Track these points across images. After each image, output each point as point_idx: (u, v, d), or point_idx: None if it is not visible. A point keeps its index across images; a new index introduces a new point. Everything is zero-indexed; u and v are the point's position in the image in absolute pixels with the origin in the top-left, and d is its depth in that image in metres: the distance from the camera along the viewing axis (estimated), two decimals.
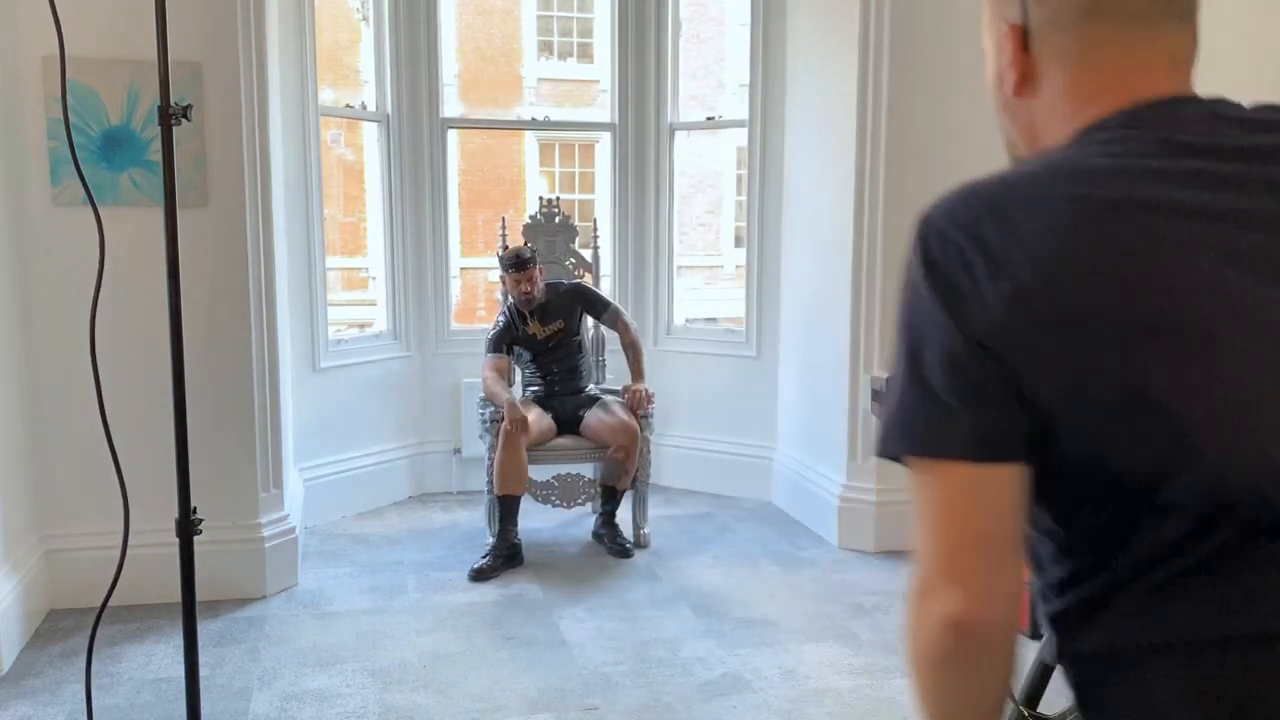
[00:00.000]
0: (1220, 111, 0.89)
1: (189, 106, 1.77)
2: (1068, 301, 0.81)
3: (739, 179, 15.22)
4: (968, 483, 0.84)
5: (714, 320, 7.02)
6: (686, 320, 5.34)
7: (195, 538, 3.57)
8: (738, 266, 15.70)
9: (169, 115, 1.72)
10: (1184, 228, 0.82)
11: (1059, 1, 0.90)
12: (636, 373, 4.35)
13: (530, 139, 15.80)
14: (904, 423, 0.88)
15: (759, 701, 2.96)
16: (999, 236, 0.83)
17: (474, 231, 14.73)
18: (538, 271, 4.29)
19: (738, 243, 15.06)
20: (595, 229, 4.77)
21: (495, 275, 4.71)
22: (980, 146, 4.18)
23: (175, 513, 3.57)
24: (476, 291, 14.26)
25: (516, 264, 4.23)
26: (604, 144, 5.17)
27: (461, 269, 14.49)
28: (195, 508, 1.88)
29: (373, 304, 5.46)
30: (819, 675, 3.12)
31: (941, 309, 0.84)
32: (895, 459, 0.89)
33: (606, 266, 5.04)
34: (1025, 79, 0.94)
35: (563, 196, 15.62)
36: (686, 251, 14.18)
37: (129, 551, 3.18)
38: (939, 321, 0.85)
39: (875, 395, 1.26)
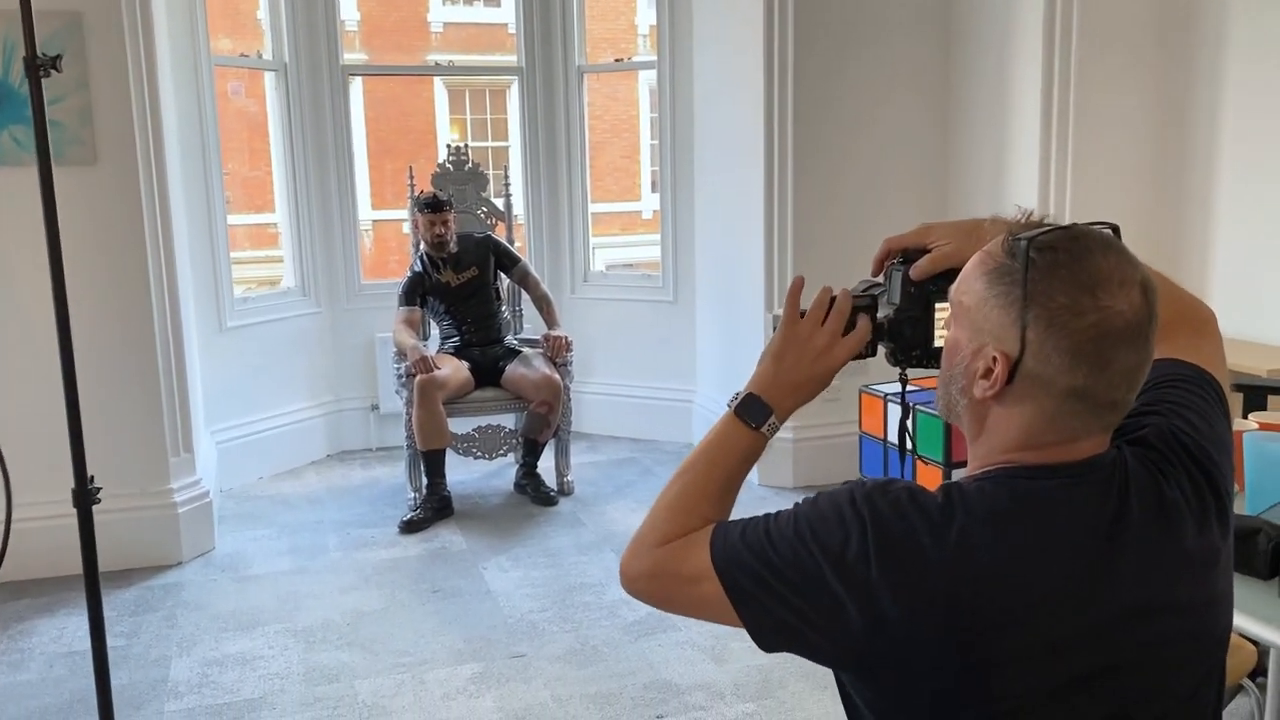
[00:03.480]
0: None
1: (58, 57, 1.67)
2: None
3: (653, 123, 15.12)
4: None
5: (631, 266, 7.01)
6: (606, 267, 5.31)
7: (107, 507, 3.50)
8: (655, 212, 15.69)
9: (36, 66, 1.63)
10: None
11: (1055, 386, 0.96)
12: (551, 322, 4.33)
13: (439, 87, 15.41)
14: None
15: (684, 639, 3.01)
16: None
17: (384, 183, 14.37)
18: (452, 217, 4.22)
19: (654, 188, 14.99)
20: (507, 176, 4.69)
21: (408, 227, 4.62)
22: (883, 80, 4.22)
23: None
24: (389, 245, 13.98)
25: (432, 204, 4.17)
26: (514, 90, 5.06)
27: (374, 222, 14.24)
28: (93, 476, 1.81)
29: (281, 260, 5.33)
30: None
31: None
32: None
33: (520, 214, 4.97)
34: (998, 397, 1.00)
35: (475, 144, 15.31)
36: (603, 198, 14.08)
37: (37, 523, 3.09)
38: None
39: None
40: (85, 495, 1.76)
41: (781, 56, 4.09)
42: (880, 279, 1.30)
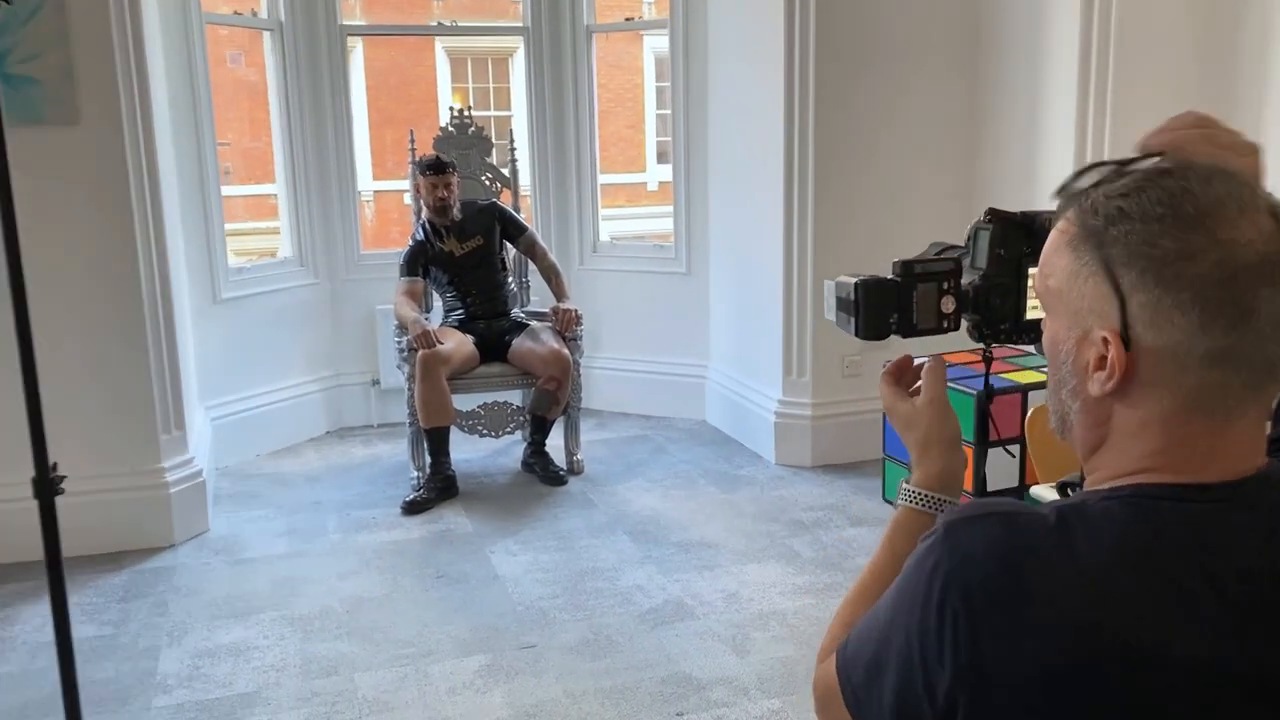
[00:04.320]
0: None
1: None
2: None
3: (660, 92, 14.82)
4: None
5: (641, 239, 6.80)
6: (613, 238, 5.12)
7: (96, 487, 3.34)
8: (661, 183, 15.41)
9: None
10: None
11: (1189, 356, 0.76)
12: (560, 294, 4.15)
13: (441, 54, 15.11)
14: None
15: (702, 628, 2.85)
16: None
17: (384, 153, 14.11)
18: (455, 180, 4.04)
19: (660, 159, 14.72)
20: (512, 140, 4.48)
21: (409, 198, 4.43)
22: (912, 45, 4.01)
23: (75, 460, 3.31)
24: (390, 216, 13.75)
25: (435, 165, 3.99)
26: (519, 57, 4.84)
27: (375, 192, 14.00)
28: (55, 464, 1.63)
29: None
30: (762, 597, 3.02)
31: None
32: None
33: (525, 181, 4.77)
34: (1121, 390, 0.79)
35: (478, 113, 15.06)
36: (608, 169, 13.80)
37: (20, 504, 2.92)
38: None
39: (840, 303, 1.07)
40: (47, 485, 1.58)
41: (803, 20, 3.87)
42: (962, 242, 1.12)
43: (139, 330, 3.34)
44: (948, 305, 1.08)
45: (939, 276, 1.07)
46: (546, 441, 4.13)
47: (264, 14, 4.52)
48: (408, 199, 4.59)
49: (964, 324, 1.11)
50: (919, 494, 1.06)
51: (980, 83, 4.07)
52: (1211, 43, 3.30)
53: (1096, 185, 0.81)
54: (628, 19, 5.42)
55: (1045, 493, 2.22)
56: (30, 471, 1.66)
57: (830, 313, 1.14)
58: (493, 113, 14.92)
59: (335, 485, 4.08)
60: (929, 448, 1.07)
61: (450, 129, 4.39)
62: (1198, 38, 3.34)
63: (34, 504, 3.05)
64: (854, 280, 1.08)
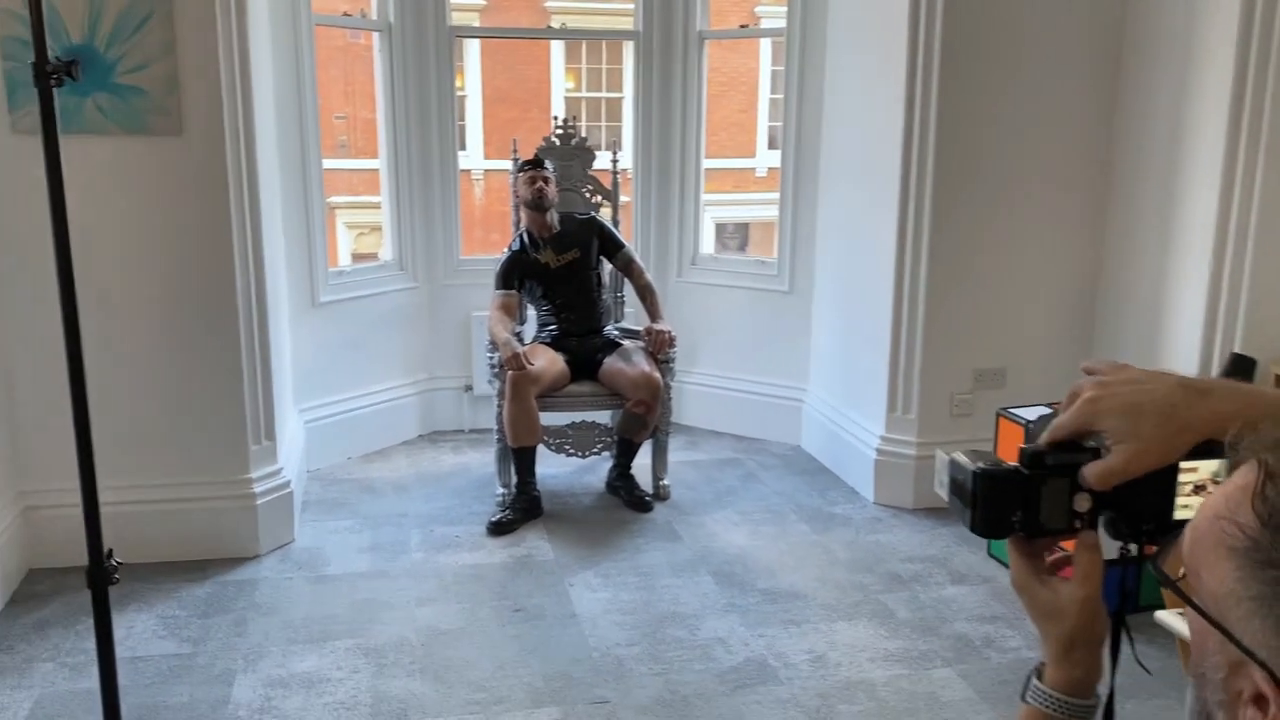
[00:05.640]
0: None
1: (73, 63, 1.41)
2: None
3: (774, 76, 14.45)
4: None
5: (744, 226, 6.58)
6: (715, 224, 4.93)
7: (185, 495, 3.37)
8: (770, 169, 15.06)
9: (48, 75, 1.36)
10: None
11: None
12: (655, 314, 4.02)
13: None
14: None
15: (785, 695, 2.70)
16: None
17: (496, 131, 14.15)
18: (552, 177, 3.97)
19: (771, 144, 14.38)
20: (616, 153, 4.34)
21: (512, 209, 4.35)
22: (1047, 51, 3.71)
23: (165, 467, 3.36)
24: (499, 195, 13.77)
25: (532, 161, 3.98)
26: (630, 49, 4.71)
27: (485, 172, 14.06)
28: (110, 550, 1.58)
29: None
30: (851, 663, 2.86)
31: None
32: None
33: (625, 193, 4.64)
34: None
35: (589, 95, 14.95)
36: (717, 154, 13.53)
37: (109, 508, 2.94)
38: None
39: (955, 486, 0.91)
40: (101, 574, 1.53)
41: (929, 33, 3.63)
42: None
43: (233, 343, 3.34)
44: (1081, 503, 0.91)
45: (1073, 470, 0.90)
46: (632, 464, 4.03)
47: (374, 15, 4.48)
48: (510, 198, 4.51)
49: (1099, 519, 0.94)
50: (1055, 699, 0.90)
51: (1120, 96, 3.76)
52: None
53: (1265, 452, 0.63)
54: (742, 26, 5.21)
55: None
56: (109, 478, 1.62)
57: (941, 488, 0.98)
58: (604, 94, 14.83)
59: (422, 496, 4.06)
60: (1073, 650, 0.91)
61: (554, 140, 4.29)
62: None
63: (125, 509, 3.10)
64: (973, 468, 0.92)
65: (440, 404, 4.79)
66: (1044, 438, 0.93)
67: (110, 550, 1.60)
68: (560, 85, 15.18)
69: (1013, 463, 0.93)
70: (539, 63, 15.14)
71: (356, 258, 12.50)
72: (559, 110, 13.84)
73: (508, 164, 4.29)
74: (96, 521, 1.50)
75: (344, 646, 2.92)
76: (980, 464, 0.92)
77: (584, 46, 14.81)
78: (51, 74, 1.33)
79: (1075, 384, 0.93)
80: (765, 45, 14.14)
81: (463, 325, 4.71)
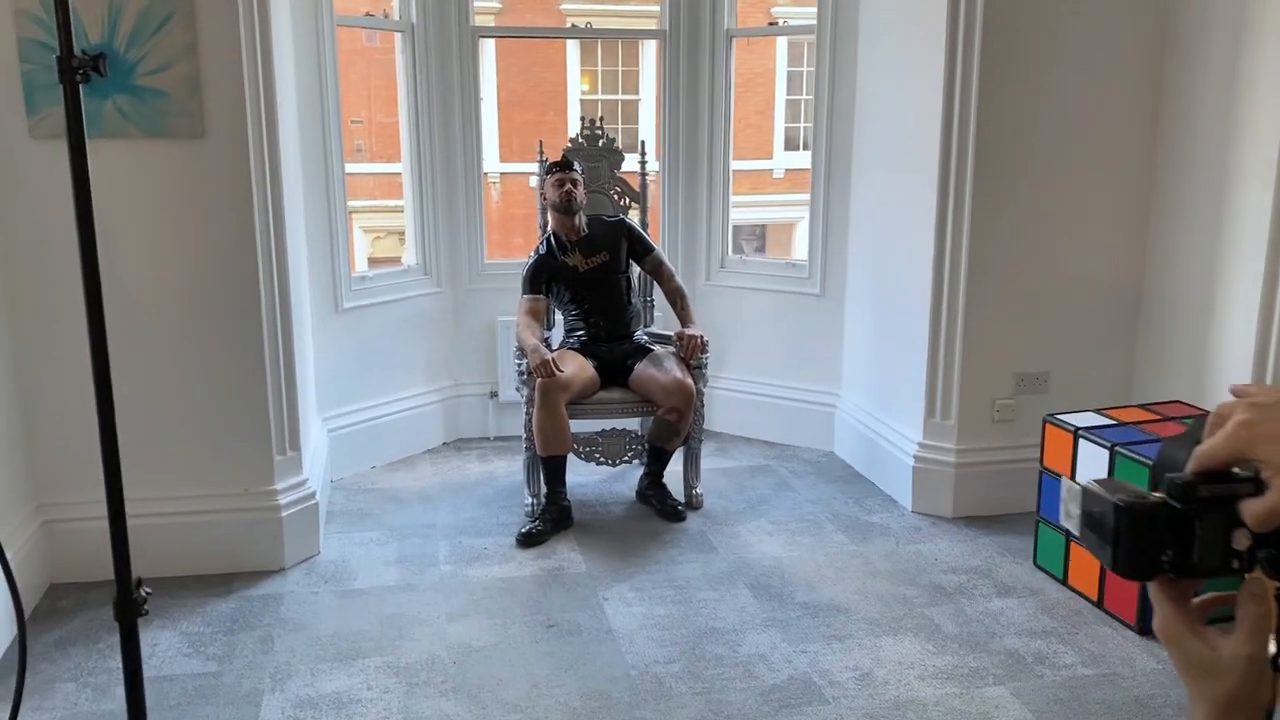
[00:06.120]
0: None
1: (100, 56, 1.32)
2: None
3: (790, 77, 14.33)
4: None
5: (762, 226, 6.47)
6: (734, 225, 4.83)
7: (208, 507, 3.29)
8: (787, 170, 14.95)
9: (73, 70, 1.27)
10: None
11: None
12: (686, 319, 3.92)
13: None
14: None
15: (832, 716, 2.60)
16: None
17: (512, 134, 14.08)
18: (581, 179, 3.88)
19: (788, 146, 14.26)
20: (642, 154, 4.25)
21: (534, 181, 4.27)
22: (1084, 50, 3.60)
23: (188, 479, 3.28)
24: (515, 199, 13.71)
25: (560, 162, 3.86)
26: (651, 51, 4.60)
27: (501, 174, 13.99)
28: (140, 580, 1.49)
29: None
30: (899, 680, 2.75)
31: None
32: None
33: (652, 191, 4.54)
34: None
35: (605, 97, 14.87)
36: (735, 155, 13.39)
37: (131, 521, 2.87)
38: None
39: (1089, 520, 0.81)
40: (130, 606, 1.44)
41: (968, 29, 3.52)
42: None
43: (257, 350, 3.26)
44: (1241, 541, 0.80)
45: (1230, 503, 0.80)
46: (664, 472, 3.93)
47: (396, 15, 4.40)
48: (534, 182, 4.42)
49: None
50: None
51: (1166, 88, 3.64)
52: None
53: None
54: (771, 24, 5.12)
55: None
56: (130, 490, 1.54)
57: (1069, 520, 0.88)
58: (620, 96, 14.73)
59: (448, 506, 3.97)
60: (1233, 713, 0.81)
61: (581, 140, 4.20)
62: None
63: (148, 522, 3.02)
64: (1113, 500, 0.81)
65: (465, 411, 4.71)
66: (1190, 466, 0.83)
67: (139, 580, 1.51)
68: (576, 87, 15.10)
69: (1158, 494, 0.82)
70: (555, 65, 15.07)
71: (373, 262, 12.46)
72: (576, 113, 13.75)
73: (524, 167, 4.21)
74: (125, 549, 1.41)
75: (374, 665, 2.83)
76: (1121, 496, 0.82)
77: (599, 49, 14.72)
78: (78, 69, 1.25)
79: (1221, 405, 0.82)
80: (782, 45, 14.02)
81: (488, 331, 4.62)
